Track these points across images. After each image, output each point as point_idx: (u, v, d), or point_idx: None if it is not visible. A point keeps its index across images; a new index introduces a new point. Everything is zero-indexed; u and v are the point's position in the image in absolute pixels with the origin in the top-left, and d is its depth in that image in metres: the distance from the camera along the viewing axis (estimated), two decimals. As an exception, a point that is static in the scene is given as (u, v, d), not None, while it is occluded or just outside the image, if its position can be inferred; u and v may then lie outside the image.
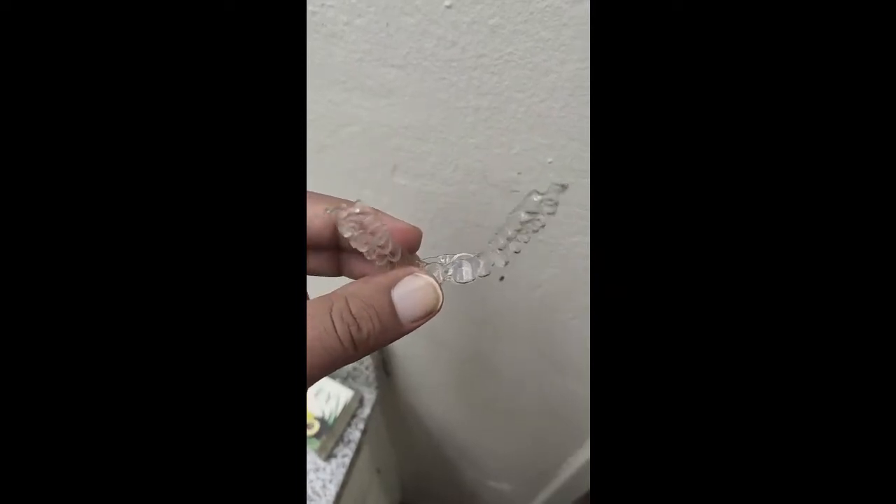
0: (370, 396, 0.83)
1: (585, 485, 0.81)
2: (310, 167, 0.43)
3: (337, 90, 0.37)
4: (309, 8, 0.32)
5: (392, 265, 0.21)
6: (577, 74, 0.29)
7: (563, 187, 0.19)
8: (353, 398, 0.79)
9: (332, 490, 0.75)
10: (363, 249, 0.20)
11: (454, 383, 0.75)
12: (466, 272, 0.22)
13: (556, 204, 0.19)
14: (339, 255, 0.24)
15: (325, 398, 0.78)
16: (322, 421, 0.76)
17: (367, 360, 0.76)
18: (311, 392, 0.78)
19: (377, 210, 0.20)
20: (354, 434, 0.80)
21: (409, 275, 0.21)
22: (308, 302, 0.19)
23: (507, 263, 0.21)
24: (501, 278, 0.49)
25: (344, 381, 0.82)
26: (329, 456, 0.77)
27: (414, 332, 0.21)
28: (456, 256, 0.23)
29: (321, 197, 0.22)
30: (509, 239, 0.21)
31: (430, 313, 0.21)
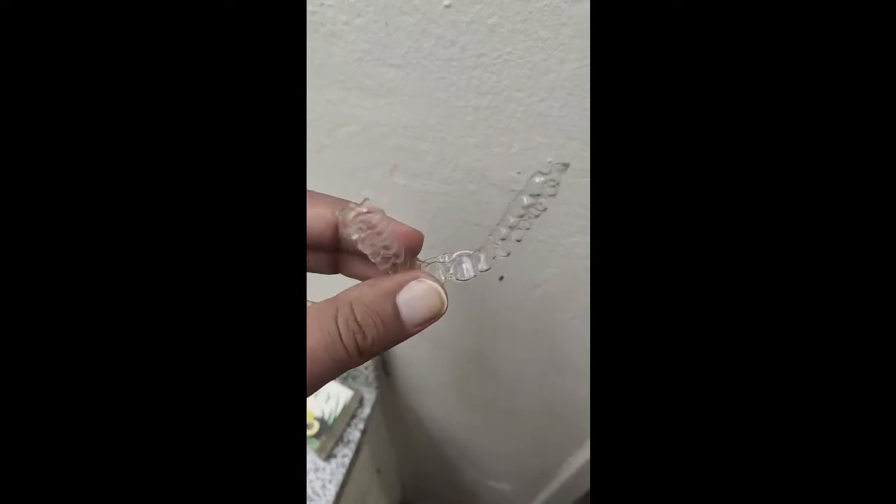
0: (370, 396, 0.83)
1: (585, 485, 0.81)
2: (309, 167, 0.43)
3: (336, 90, 0.37)
4: (308, 7, 0.32)
5: (395, 267, 0.21)
6: (577, 73, 0.29)
7: (565, 166, 0.18)
8: (353, 398, 0.79)
9: (332, 490, 0.75)
10: (368, 251, 0.19)
11: (454, 383, 0.75)
12: (467, 269, 0.22)
13: (558, 184, 0.19)
14: (338, 255, 0.24)
15: (324, 398, 0.78)
16: (322, 421, 0.76)
17: (367, 361, 0.76)
18: (310, 392, 0.78)
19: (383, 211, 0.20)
20: (354, 434, 0.80)
21: (413, 279, 0.20)
22: (312, 306, 0.19)
23: (508, 254, 0.21)
24: (501, 278, 0.49)
25: (343, 381, 0.82)
26: (329, 456, 0.77)
27: (414, 333, 0.21)
28: (455, 254, 0.22)
29: (323, 197, 0.22)
30: (512, 227, 0.20)
31: (434, 317, 0.21)
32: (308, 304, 0.20)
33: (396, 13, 0.30)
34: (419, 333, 0.21)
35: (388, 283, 0.20)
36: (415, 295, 0.20)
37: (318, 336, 0.18)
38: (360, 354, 0.19)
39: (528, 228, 0.20)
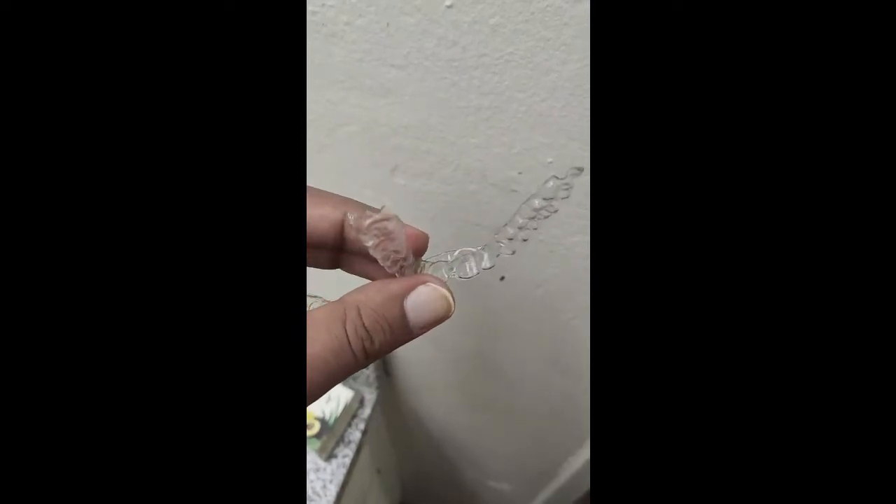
0: (370, 397, 0.83)
1: (585, 485, 0.81)
2: (309, 167, 0.43)
3: (336, 90, 0.37)
4: (309, 8, 0.32)
5: (402, 269, 0.21)
6: (578, 74, 0.29)
7: (580, 170, 0.18)
8: (354, 398, 0.79)
9: (333, 490, 0.75)
10: (379, 256, 0.19)
11: (455, 383, 0.75)
12: (470, 267, 0.22)
13: (571, 188, 0.19)
14: (340, 253, 0.24)
15: (325, 398, 0.78)
16: (322, 421, 0.76)
17: (370, 362, 0.76)
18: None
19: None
20: (355, 434, 0.80)
21: (421, 283, 0.20)
22: (319, 310, 0.19)
23: (513, 253, 0.21)
24: (502, 278, 0.49)
25: (344, 381, 0.82)
26: (329, 456, 0.77)
27: (415, 333, 0.21)
28: (458, 252, 0.22)
29: (330, 198, 0.22)
30: (521, 227, 0.20)
31: (440, 320, 0.21)
32: (315, 306, 0.20)
33: (398, 14, 0.30)
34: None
35: (395, 286, 0.20)
36: (422, 299, 0.20)
37: (326, 342, 0.18)
38: (367, 358, 0.19)
39: (535, 229, 0.20)
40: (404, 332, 0.20)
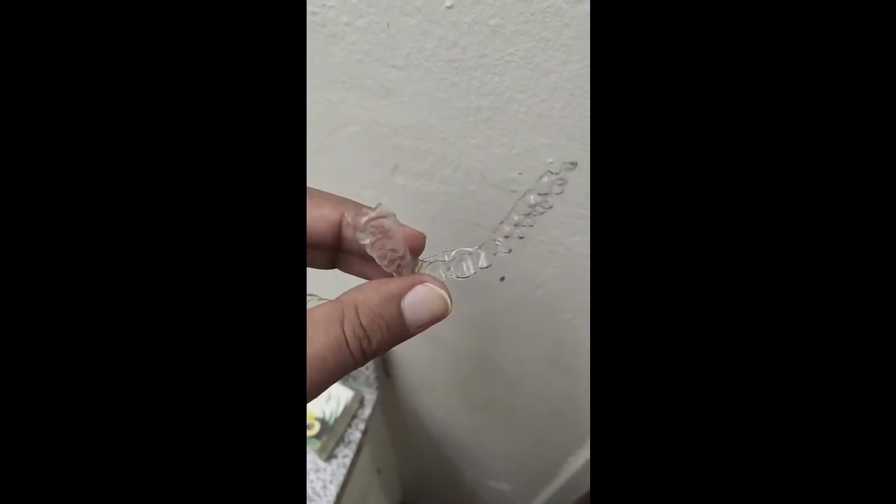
0: (370, 397, 0.83)
1: (585, 485, 0.81)
2: (309, 167, 0.43)
3: (336, 90, 0.37)
4: (309, 8, 0.32)
5: (399, 268, 0.21)
6: (579, 74, 0.29)
7: (573, 165, 0.18)
8: (354, 398, 0.79)
9: (333, 490, 0.75)
10: (376, 255, 0.19)
11: (455, 383, 0.75)
12: (468, 267, 0.22)
13: (566, 182, 0.19)
14: (337, 253, 0.24)
15: (325, 398, 0.78)
16: (322, 421, 0.76)
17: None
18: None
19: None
20: (355, 434, 0.80)
21: (418, 283, 0.20)
22: (317, 309, 0.19)
23: (510, 251, 0.21)
24: (502, 279, 0.49)
25: (344, 381, 0.82)
26: (329, 456, 0.77)
27: (415, 333, 0.21)
28: (455, 252, 0.22)
29: (329, 198, 0.22)
30: (517, 225, 0.20)
31: (437, 320, 0.21)
32: (314, 305, 0.20)
33: (398, 14, 0.30)
34: (420, 334, 0.21)
35: (393, 286, 0.20)
36: (420, 299, 0.20)
37: (324, 341, 0.18)
38: (364, 357, 0.19)
39: (531, 226, 0.20)
40: (401, 331, 0.20)
